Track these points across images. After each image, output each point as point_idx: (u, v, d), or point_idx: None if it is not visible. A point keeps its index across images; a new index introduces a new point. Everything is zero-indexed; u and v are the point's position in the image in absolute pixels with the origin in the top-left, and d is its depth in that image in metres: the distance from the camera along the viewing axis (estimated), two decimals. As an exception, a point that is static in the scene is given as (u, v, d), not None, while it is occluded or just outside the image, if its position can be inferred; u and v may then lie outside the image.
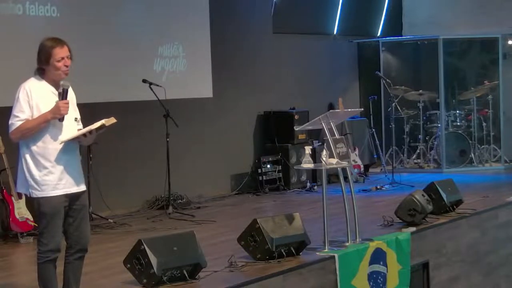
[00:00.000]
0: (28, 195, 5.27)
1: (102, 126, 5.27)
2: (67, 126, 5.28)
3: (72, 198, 5.29)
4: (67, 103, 5.21)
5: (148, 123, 10.07)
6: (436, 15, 15.12)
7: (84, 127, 5.38)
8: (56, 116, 5.17)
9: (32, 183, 5.18)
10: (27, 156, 5.20)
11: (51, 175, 5.18)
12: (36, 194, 5.19)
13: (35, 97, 5.18)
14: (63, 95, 5.24)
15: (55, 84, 5.28)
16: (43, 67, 5.24)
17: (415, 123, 13.69)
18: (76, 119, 5.37)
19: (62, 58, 5.22)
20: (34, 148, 5.18)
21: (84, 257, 5.48)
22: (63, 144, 5.22)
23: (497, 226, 9.28)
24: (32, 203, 5.31)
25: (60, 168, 5.20)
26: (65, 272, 5.41)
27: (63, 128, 5.25)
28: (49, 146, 5.19)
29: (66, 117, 5.25)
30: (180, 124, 9.59)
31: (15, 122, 5.16)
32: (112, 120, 5.30)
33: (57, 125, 5.23)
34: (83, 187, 5.36)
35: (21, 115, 5.15)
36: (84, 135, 5.26)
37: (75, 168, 5.32)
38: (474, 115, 13.74)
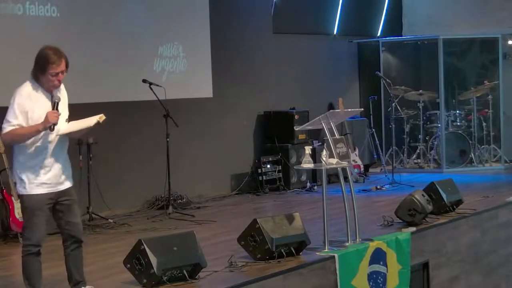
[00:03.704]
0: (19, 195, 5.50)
1: (97, 123, 5.41)
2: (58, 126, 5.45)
3: (58, 195, 5.47)
4: (56, 113, 5.34)
5: (148, 123, 10.07)
6: (436, 15, 15.13)
7: None
8: (47, 125, 5.32)
9: (19, 181, 5.42)
10: (18, 156, 5.42)
11: (37, 175, 5.38)
12: (21, 191, 5.42)
13: (29, 103, 5.34)
14: (54, 107, 5.37)
15: (48, 90, 5.42)
16: (38, 74, 5.38)
17: (415, 123, 13.69)
18: (66, 120, 5.52)
19: (57, 74, 5.35)
20: (25, 148, 5.37)
21: (81, 247, 5.63)
22: (52, 145, 5.40)
23: (497, 226, 9.28)
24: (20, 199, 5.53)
25: (46, 168, 5.40)
26: (67, 264, 5.61)
27: (55, 130, 5.40)
28: (38, 147, 5.38)
29: (59, 119, 5.40)
30: (180, 124, 9.59)
31: (6, 126, 5.34)
32: (103, 117, 5.44)
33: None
34: (68, 185, 5.53)
35: (13, 121, 5.32)
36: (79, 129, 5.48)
37: (61, 168, 5.48)
38: (474, 115, 13.74)
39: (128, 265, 5.92)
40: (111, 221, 8.95)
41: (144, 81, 9.50)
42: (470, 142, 13.40)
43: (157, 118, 9.54)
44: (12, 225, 8.09)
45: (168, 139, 9.49)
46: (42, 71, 5.33)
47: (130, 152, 10.01)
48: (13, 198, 8.14)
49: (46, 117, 5.29)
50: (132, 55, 10.10)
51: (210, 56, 11.24)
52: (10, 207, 8.13)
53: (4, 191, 8.20)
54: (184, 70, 10.89)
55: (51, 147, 5.40)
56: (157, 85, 9.48)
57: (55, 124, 5.32)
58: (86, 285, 5.64)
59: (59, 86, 5.41)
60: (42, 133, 5.34)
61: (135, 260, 5.86)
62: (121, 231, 8.60)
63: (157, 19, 10.49)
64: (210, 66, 11.25)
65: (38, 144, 5.36)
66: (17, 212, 8.11)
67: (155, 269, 5.78)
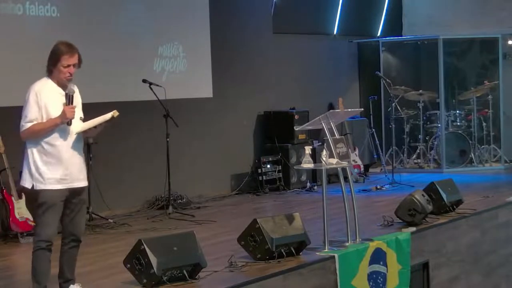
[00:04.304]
0: (30, 188, 5.48)
1: (112, 118, 5.55)
2: (74, 125, 5.56)
3: (72, 192, 5.54)
4: (73, 108, 5.47)
5: (148, 123, 10.07)
6: (436, 15, 15.13)
7: None
8: (64, 120, 5.45)
9: (37, 176, 5.44)
10: (34, 151, 5.47)
11: (55, 170, 5.45)
12: (40, 186, 5.44)
13: (43, 98, 5.45)
14: (68, 101, 5.48)
15: (61, 85, 5.53)
16: (51, 68, 5.49)
17: (415, 123, 13.69)
18: (81, 118, 5.63)
19: (69, 66, 5.48)
20: (42, 144, 5.46)
21: (78, 246, 5.69)
22: (69, 141, 5.51)
23: (497, 226, 9.28)
24: (32, 195, 5.53)
25: (64, 164, 5.47)
26: (60, 260, 5.66)
27: (71, 128, 5.51)
28: (56, 143, 5.47)
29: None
30: (180, 124, 9.59)
31: (25, 124, 5.45)
32: (116, 113, 5.58)
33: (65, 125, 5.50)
34: (84, 183, 5.63)
35: (30, 116, 5.43)
36: (95, 126, 5.57)
37: (79, 165, 5.59)
38: (474, 115, 13.74)
39: (128, 265, 5.92)
40: (111, 221, 8.95)
41: (144, 81, 9.51)
42: (470, 142, 13.40)
43: (157, 118, 9.55)
44: (12, 225, 8.09)
45: (168, 139, 9.49)
46: (55, 63, 5.44)
47: (130, 152, 10.01)
48: (13, 198, 8.15)
49: (64, 112, 5.41)
50: (132, 55, 10.10)
51: (210, 56, 11.24)
52: (10, 207, 8.13)
53: (4, 191, 8.20)
54: (184, 70, 10.89)
55: (68, 144, 5.49)
56: (157, 85, 9.48)
57: (72, 119, 5.45)
58: (75, 283, 5.67)
59: (70, 79, 5.50)
60: (58, 131, 5.43)
61: (135, 260, 5.86)
62: (121, 231, 8.60)
63: (157, 19, 10.49)
64: (210, 66, 11.25)
65: (55, 140, 5.45)
66: (17, 212, 8.11)
67: (155, 269, 5.78)
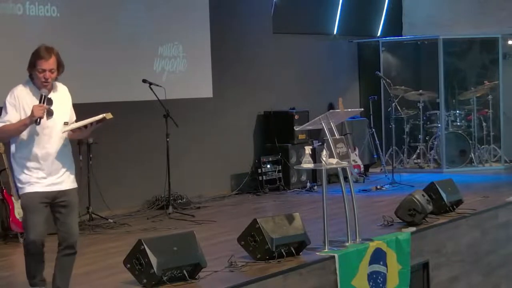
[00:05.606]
0: (18, 195, 5.56)
1: (103, 119, 5.44)
2: (54, 129, 5.44)
3: (54, 195, 5.44)
4: (42, 107, 5.33)
5: (148, 123, 10.07)
6: (436, 15, 15.13)
7: None
8: (32, 119, 5.32)
9: (17, 181, 5.48)
10: (12, 157, 5.47)
11: (31, 174, 5.39)
12: (19, 190, 5.49)
13: (22, 102, 5.37)
14: (42, 101, 5.36)
15: (41, 88, 5.42)
16: (30, 71, 5.41)
17: (415, 123, 13.69)
18: (65, 123, 5.50)
19: (44, 71, 5.35)
20: (18, 147, 5.41)
21: (72, 256, 5.57)
22: (47, 144, 5.40)
23: (497, 226, 9.28)
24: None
25: (40, 167, 5.40)
26: (55, 268, 5.57)
27: (50, 132, 5.42)
28: (31, 147, 5.39)
29: (55, 121, 5.43)
30: (180, 124, 9.59)
31: None
32: (110, 115, 5.46)
33: (39, 128, 5.37)
34: (67, 186, 5.50)
35: (3, 117, 5.38)
36: (85, 126, 5.45)
37: (59, 168, 5.47)
38: (474, 115, 13.74)
39: (128, 265, 5.92)
40: (111, 221, 8.95)
41: (144, 81, 9.51)
42: (470, 142, 13.40)
43: (157, 118, 9.55)
44: (12, 225, 8.09)
45: (168, 139, 9.49)
46: (32, 66, 5.36)
47: (130, 152, 10.01)
48: (13, 198, 8.15)
49: (32, 111, 5.29)
50: (132, 55, 10.10)
51: (210, 56, 11.24)
52: (10, 207, 8.14)
53: (4, 191, 8.20)
54: (184, 70, 10.89)
55: (46, 147, 5.39)
56: (157, 85, 9.48)
57: (41, 118, 5.31)
58: None
59: (47, 85, 5.38)
60: (34, 133, 5.35)
61: (135, 260, 5.86)
62: (121, 231, 8.60)
63: (157, 19, 10.49)
64: (210, 66, 11.25)
65: (32, 143, 5.38)
66: (17, 212, 8.11)
67: (155, 269, 5.78)
